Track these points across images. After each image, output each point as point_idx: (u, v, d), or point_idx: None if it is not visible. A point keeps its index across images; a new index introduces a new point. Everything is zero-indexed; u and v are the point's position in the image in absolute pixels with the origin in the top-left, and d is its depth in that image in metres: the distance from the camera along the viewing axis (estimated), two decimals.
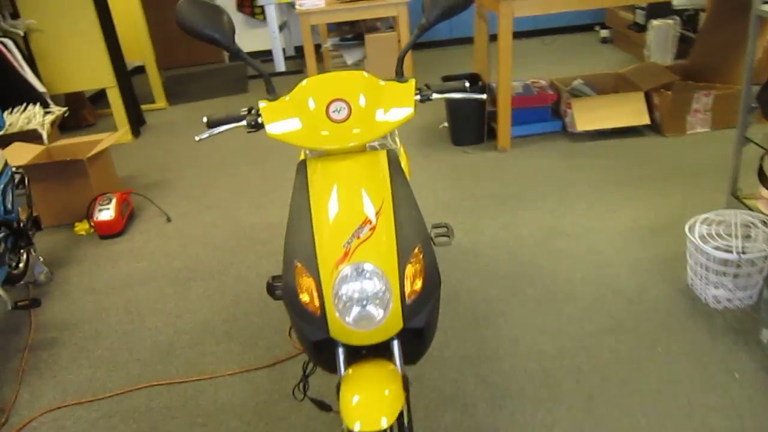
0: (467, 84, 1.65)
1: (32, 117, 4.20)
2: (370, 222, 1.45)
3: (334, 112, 1.47)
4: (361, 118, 1.48)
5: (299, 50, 7.08)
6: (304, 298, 1.46)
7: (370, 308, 1.42)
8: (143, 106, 5.60)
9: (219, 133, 1.61)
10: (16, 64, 4.35)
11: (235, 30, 1.56)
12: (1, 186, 2.77)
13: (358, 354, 1.57)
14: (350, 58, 5.42)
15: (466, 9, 1.55)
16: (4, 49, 4.30)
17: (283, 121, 1.53)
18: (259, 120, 1.57)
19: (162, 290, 2.91)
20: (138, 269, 3.12)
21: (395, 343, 1.55)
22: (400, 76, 1.58)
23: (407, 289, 1.45)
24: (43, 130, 4.14)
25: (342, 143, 1.48)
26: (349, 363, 1.57)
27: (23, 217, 3.00)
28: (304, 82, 1.54)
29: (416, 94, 1.58)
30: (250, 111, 1.61)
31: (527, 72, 5.61)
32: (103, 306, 2.85)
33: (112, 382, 2.36)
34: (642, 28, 5.34)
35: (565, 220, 3.12)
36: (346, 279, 1.42)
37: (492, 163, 3.87)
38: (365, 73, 1.55)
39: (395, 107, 1.54)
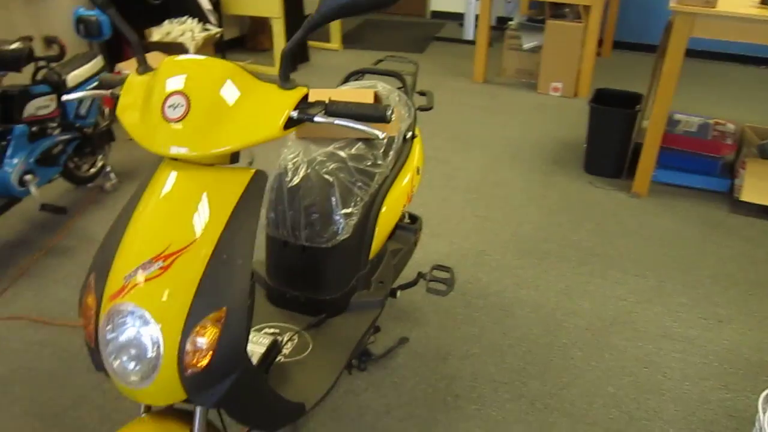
0: (389, 113, 1.18)
1: (187, 30, 4.35)
2: (164, 259, 1.11)
3: (169, 107, 1.13)
4: (200, 122, 1.12)
5: (501, 21, 6.51)
6: (85, 319, 1.20)
7: (127, 362, 1.12)
8: (314, 44, 5.57)
9: (86, 96, 1.36)
10: None
11: None
12: (84, 90, 2.83)
13: None
14: (527, 41, 4.79)
15: (374, 9, 1.08)
16: None
17: (130, 101, 1.23)
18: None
19: None
20: None
21: (198, 411, 1.23)
22: (284, 80, 1.17)
23: (187, 359, 1.10)
24: (191, 46, 4.26)
25: (159, 148, 1.13)
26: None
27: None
28: (165, 60, 1.20)
29: (295, 109, 1.16)
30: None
31: (724, 107, 4.51)
32: None
33: (73, 311, 2.33)
34: None
35: (646, 310, 2.40)
36: (109, 317, 1.12)
37: (613, 206, 3.14)
38: (239, 66, 1.17)
39: (257, 119, 1.14)
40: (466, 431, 1.87)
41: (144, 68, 1.27)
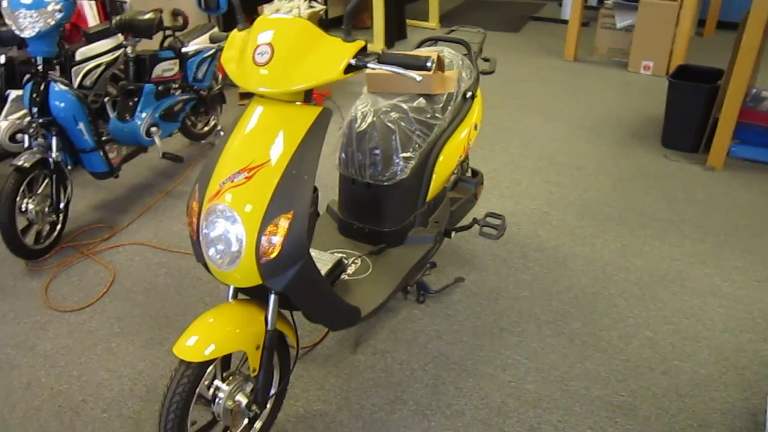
0: (429, 64, 1.44)
1: (294, 7, 4.75)
2: (248, 170, 1.45)
3: (258, 54, 1.45)
4: (281, 66, 1.43)
5: (601, 1, 6.47)
6: (190, 219, 1.56)
7: (219, 249, 1.46)
8: (412, 22, 5.83)
9: (201, 48, 1.71)
10: None
11: None
12: (201, 58, 3.29)
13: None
14: (620, 20, 4.81)
15: None
16: None
17: (232, 53, 1.57)
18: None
19: None
20: None
21: (271, 297, 1.56)
22: (347, 34, 1.46)
23: (262, 250, 1.43)
24: None
25: (251, 87, 1.46)
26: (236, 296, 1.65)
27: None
28: (258, 19, 1.53)
29: (353, 58, 1.45)
30: None
31: None
32: None
33: (185, 242, 2.77)
34: None
35: (698, 270, 2.51)
36: (207, 215, 1.47)
37: (684, 178, 3.21)
38: (308, 22, 1.47)
39: (324, 65, 1.45)
40: (507, 357, 2.11)
41: (243, 26, 1.61)
